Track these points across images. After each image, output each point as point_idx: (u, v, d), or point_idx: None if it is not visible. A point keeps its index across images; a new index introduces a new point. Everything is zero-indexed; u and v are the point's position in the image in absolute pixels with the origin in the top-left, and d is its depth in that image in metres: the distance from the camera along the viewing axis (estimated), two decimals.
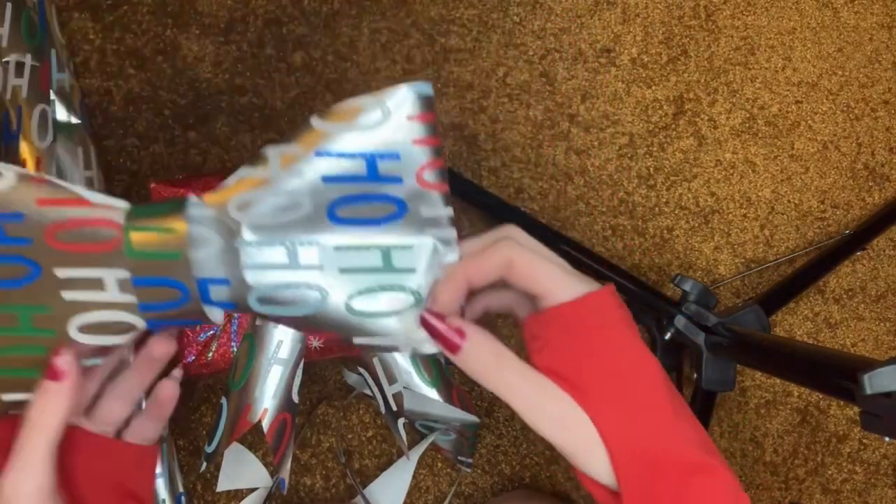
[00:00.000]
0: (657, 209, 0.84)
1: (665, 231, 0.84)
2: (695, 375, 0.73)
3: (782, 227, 0.86)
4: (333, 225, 0.38)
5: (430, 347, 0.39)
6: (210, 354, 0.54)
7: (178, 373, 0.47)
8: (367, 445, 0.76)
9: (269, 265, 0.38)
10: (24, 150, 0.68)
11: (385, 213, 0.38)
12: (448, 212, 0.39)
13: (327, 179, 0.37)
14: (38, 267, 0.38)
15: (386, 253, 0.39)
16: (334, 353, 0.56)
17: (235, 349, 0.54)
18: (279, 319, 0.40)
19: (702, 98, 0.86)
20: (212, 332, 0.59)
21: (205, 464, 0.52)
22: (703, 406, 0.74)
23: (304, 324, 0.40)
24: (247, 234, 0.38)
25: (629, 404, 0.35)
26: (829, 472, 0.84)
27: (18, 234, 0.37)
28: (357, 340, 0.40)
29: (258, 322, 0.52)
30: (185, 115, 0.78)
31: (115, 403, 0.44)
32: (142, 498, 0.44)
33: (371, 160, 0.38)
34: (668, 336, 0.77)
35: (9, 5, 0.68)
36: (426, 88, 0.37)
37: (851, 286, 0.87)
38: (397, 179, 0.38)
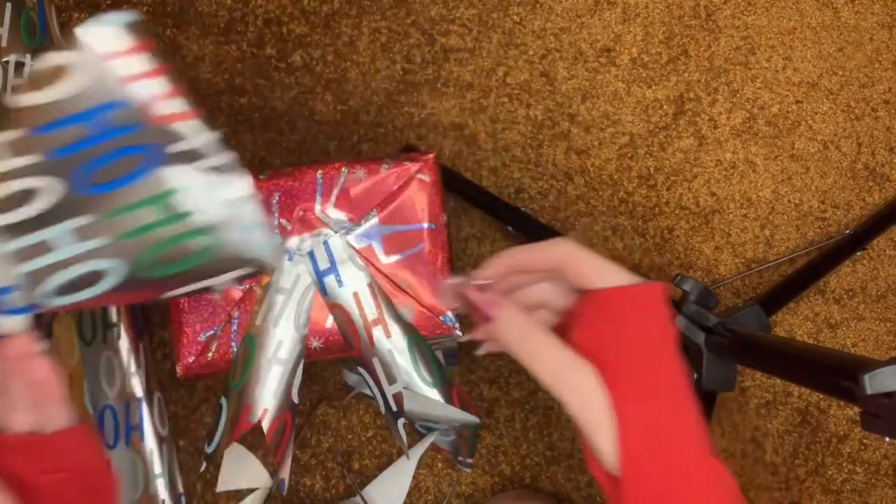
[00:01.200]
0: (657, 209, 0.84)
1: (665, 231, 0.84)
2: (695, 375, 0.73)
3: (782, 227, 0.86)
4: (96, 194, 0.35)
5: (259, 262, 0.39)
6: (210, 355, 0.54)
7: (39, 346, 0.41)
8: (367, 445, 0.76)
9: (49, 263, 0.35)
10: None
11: (138, 165, 0.35)
12: (208, 137, 0.36)
13: (60, 152, 0.34)
14: None
15: (159, 204, 0.35)
16: (334, 353, 0.56)
17: (235, 349, 0.54)
18: (89, 302, 0.38)
19: (702, 98, 0.86)
20: (211, 332, 0.58)
21: (205, 464, 0.52)
22: (704, 406, 0.74)
23: (114, 296, 0.37)
24: (10, 245, 0.35)
25: (649, 395, 0.36)
26: (830, 473, 0.84)
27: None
28: (168, 294, 0.39)
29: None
30: None
31: (17, 416, 0.42)
32: (97, 468, 0.44)
33: (93, 117, 0.34)
34: None
35: (8, 5, 0.68)
36: (124, 16, 0.33)
37: (852, 286, 0.87)
38: (129, 128, 0.34)
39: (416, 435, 0.76)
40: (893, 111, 0.90)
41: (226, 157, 0.37)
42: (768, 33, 0.88)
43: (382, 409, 0.55)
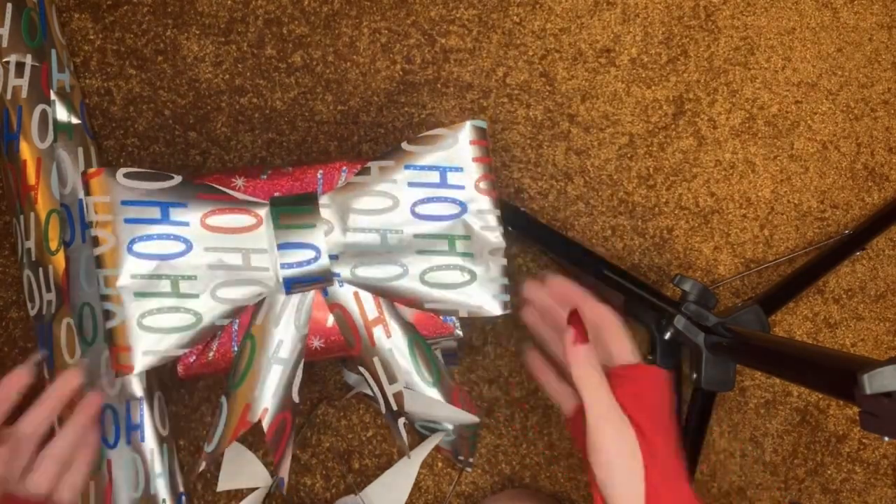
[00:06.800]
0: (657, 209, 0.84)
1: (665, 231, 0.84)
2: (694, 375, 0.73)
3: (782, 227, 0.86)
4: (414, 219, 0.53)
5: (485, 311, 0.53)
6: (210, 354, 0.54)
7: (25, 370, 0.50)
8: (367, 445, 0.76)
9: (365, 245, 0.52)
10: (25, 150, 0.68)
11: (451, 212, 0.53)
12: (496, 212, 0.54)
13: (412, 185, 0.53)
14: (192, 245, 0.50)
15: (451, 241, 0.53)
16: (335, 352, 0.57)
17: (236, 349, 0.54)
18: (369, 287, 0.53)
19: (701, 98, 0.86)
20: None
21: (203, 464, 0.52)
22: (703, 406, 0.74)
23: (386, 291, 0.53)
24: (347, 222, 0.52)
25: (670, 454, 0.44)
26: (829, 472, 0.84)
27: (180, 218, 0.50)
28: (427, 306, 0.53)
29: (262, 315, 0.53)
30: (185, 115, 0.78)
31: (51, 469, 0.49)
32: None
33: (443, 172, 0.53)
34: (667, 336, 0.77)
35: (9, 6, 0.68)
36: (482, 123, 0.54)
37: (851, 286, 0.87)
38: (461, 187, 0.53)
39: (417, 436, 0.76)
40: (893, 111, 0.90)
41: (499, 229, 0.55)
42: (768, 34, 0.88)
43: (383, 409, 0.55)
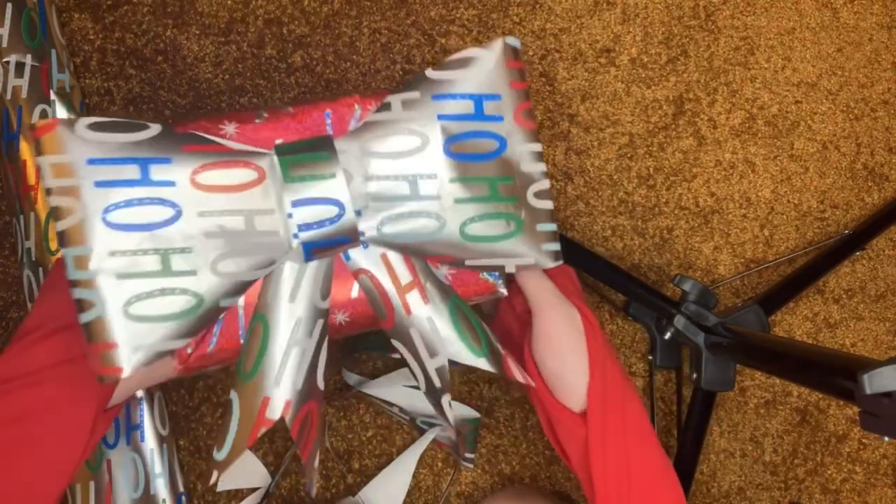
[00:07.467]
0: (657, 209, 0.84)
1: (665, 231, 0.84)
2: (694, 375, 0.73)
3: (782, 227, 0.86)
4: (448, 160, 0.44)
5: (530, 261, 0.46)
6: (213, 344, 0.44)
7: None
8: (367, 445, 0.76)
9: (392, 196, 0.44)
10: (25, 150, 0.68)
11: (488, 150, 0.45)
12: (537, 147, 0.46)
13: (442, 118, 0.44)
14: (181, 209, 0.41)
15: (493, 184, 0.45)
16: (364, 326, 0.48)
17: (244, 334, 0.45)
18: (399, 246, 0.45)
19: (701, 98, 0.86)
20: None
21: (216, 473, 0.41)
22: (703, 406, 0.74)
23: (420, 250, 0.45)
24: (369, 169, 0.43)
25: (601, 332, 0.50)
26: (829, 472, 0.84)
27: (164, 177, 0.40)
28: (469, 262, 0.46)
29: (271, 292, 0.44)
30: (186, 116, 0.78)
31: None
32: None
33: (478, 100, 0.45)
34: (667, 336, 0.77)
35: (9, 6, 0.68)
36: (515, 41, 0.46)
37: (851, 286, 0.87)
38: (499, 118, 0.45)
39: (416, 432, 0.76)
40: (892, 111, 0.90)
41: (542, 166, 0.47)
42: (768, 34, 0.88)
43: (423, 387, 0.47)
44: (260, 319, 0.43)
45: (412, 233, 0.44)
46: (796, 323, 0.86)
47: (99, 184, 0.39)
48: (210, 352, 0.44)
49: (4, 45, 0.68)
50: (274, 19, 0.80)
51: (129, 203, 0.39)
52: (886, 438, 0.46)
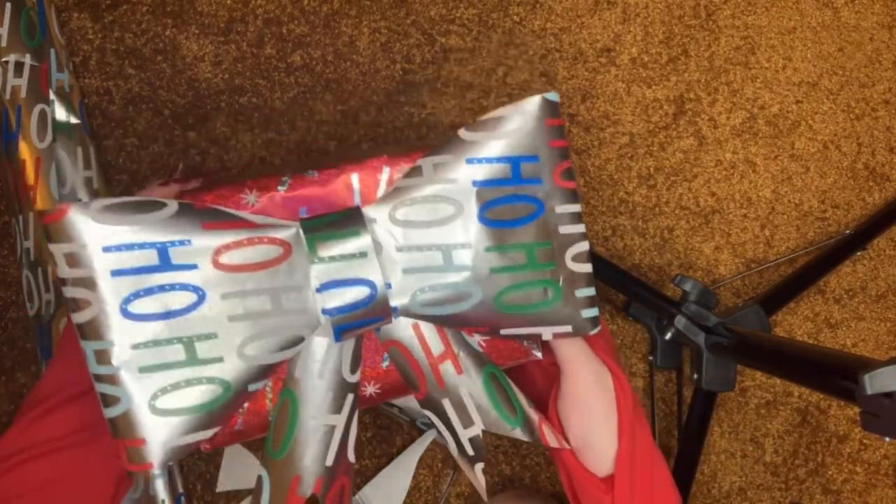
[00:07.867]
0: (657, 209, 0.84)
1: (665, 231, 0.84)
2: (695, 375, 0.73)
3: (782, 227, 0.86)
4: (483, 228, 0.42)
5: (568, 329, 0.44)
6: (240, 422, 0.42)
7: None
8: (368, 445, 0.76)
9: (425, 268, 0.41)
10: (24, 149, 0.68)
11: (525, 214, 0.43)
12: (577, 208, 0.44)
13: (476, 183, 0.41)
14: (204, 293, 0.38)
15: (530, 251, 0.43)
16: (393, 396, 0.47)
17: (271, 408, 0.43)
18: (430, 318, 0.43)
19: (702, 98, 0.86)
20: None
21: None
22: (703, 406, 0.74)
23: (454, 321, 0.43)
24: (401, 239, 0.41)
25: (634, 395, 0.46)
26: (830, 473, 0.84)
27: (185, 261, 0.38)
28: (504, 332, 0.44)
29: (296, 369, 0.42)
30: (185, 115, 0.77)
31: None
32: None
33: (515, 163, 0.42)
34: (668, 336, 0.77)
35: (8, 5, 0.68)
36: (554, 96, 0.43)
37: (852, 286, 0.87)
38: (537, 181, 0.43)
39: (415, 432, 0.76)
40: (893, 111, 0.90)
41: (582, 227, 0.44)
42: (768, 33, 0.88)
43: (455, 453, 0.46)
44: (288, 395, 0.42)
45: (446, 304, 0.42)
46: (797, 323, 0.86)
47: (116, 273, 0.37)
48: (237, 429, 0.43)
49: (3, 44, 0.68)
50: (273, 19, 0.79)
51: (149, 291, 0.38)
52: (887, 439, 0.46)
